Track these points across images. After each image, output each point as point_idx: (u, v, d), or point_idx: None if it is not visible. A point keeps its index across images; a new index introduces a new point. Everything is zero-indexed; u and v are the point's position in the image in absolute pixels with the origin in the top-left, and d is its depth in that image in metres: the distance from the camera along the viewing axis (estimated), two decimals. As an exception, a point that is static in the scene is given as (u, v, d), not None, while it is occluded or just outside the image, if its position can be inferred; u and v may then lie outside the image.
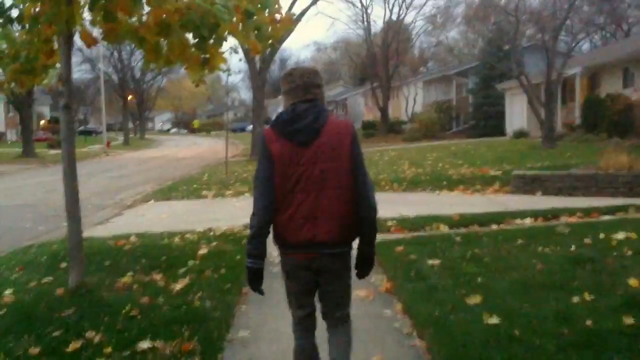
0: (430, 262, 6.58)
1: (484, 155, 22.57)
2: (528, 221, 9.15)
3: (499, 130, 37.51)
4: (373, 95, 52.02)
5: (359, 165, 3.33)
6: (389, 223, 9.42)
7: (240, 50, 21.47)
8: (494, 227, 8.88)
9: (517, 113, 35.34)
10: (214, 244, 8.43)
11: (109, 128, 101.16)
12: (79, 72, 70.04)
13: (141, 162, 33.02)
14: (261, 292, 3.44)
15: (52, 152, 43.91)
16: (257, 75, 29.94)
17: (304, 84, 3.35)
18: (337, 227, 3.28)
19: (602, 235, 7.25)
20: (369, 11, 50.30)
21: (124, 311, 5.46)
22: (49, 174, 26.68)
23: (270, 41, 7.36)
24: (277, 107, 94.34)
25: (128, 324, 5.20)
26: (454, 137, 41.26)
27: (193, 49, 6.94)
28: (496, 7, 25.53)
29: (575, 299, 4.97)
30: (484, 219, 9.41)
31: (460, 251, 7.04)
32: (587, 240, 7.09)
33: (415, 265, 6.54)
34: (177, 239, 9.00)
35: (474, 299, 5.17)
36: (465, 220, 9.38)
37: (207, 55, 7.05)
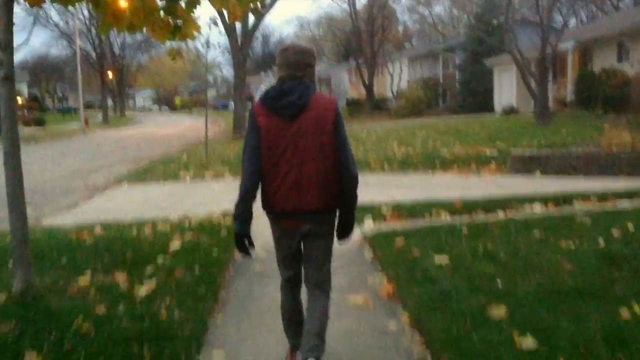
0: (437, 259, 5.68)
1: (475, 133, 21.68)
2: (538, 208, 8.27)
3: (487, 107, 36.66)
4: (358, 72, 50.91)
5: (341, 139, 3.47)
6: (384, 209, 8.53)
7: (219, 22, 20.38)
8: (501, 214, 8.01)
9: (507, 89, 34.48)
10: (189, 235, 7.47)
11: (89, 105, 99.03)
12: (56, 49, 68.47)
13: (118, 141, 31.82)
14: (249, 255, 3.69)
15: (26, 130, 42.52)
16: (239, 51, 28.73)
17: (296, 62, 3.51)
18: (321, 196, 3.47)
19: (631, 227, 6.38)
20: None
21: (75, 324, 4.52)
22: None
23: (251, 6, 6.36)
24: (259, 84, 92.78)
25: (79, 341, 4.26)
26: (441, 114, 40.34)
27: (162, 13, 5.97)
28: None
29: (624, 312, 4.08)
30: (488, 205, 8.54)
31: (469, 245, 6.14)
32: (616, 233, 6.21)
33: (419, 264, 5.62)
34: (147, 230, 8.04)
35: (498, 311, 4.27)
36: (467, 206, 8.49)
37: (179, 21, 6.08)
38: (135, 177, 14.65)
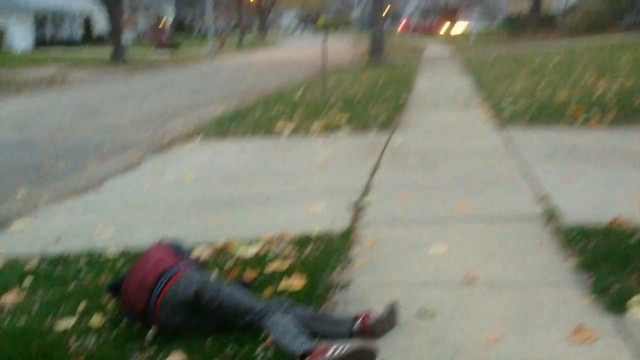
0: None
1: None
2: None
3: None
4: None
5: None
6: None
7: None
8: None
9: None
10: None
11: (236, 28, 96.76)
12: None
13: (240, 69, 27.81)
14: None
15: (155, 54, 39.79)
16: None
17: None
18: None
19: None
20: None
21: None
22: (124, 83, 22.13)
23: None
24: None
25: None
26: (626, 31, 32.68)
27: None
28: None
29: None
30: None
31: None
32: None
33: None
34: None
35: None
36: None
37: None
38: (218, 128, 10.29)
